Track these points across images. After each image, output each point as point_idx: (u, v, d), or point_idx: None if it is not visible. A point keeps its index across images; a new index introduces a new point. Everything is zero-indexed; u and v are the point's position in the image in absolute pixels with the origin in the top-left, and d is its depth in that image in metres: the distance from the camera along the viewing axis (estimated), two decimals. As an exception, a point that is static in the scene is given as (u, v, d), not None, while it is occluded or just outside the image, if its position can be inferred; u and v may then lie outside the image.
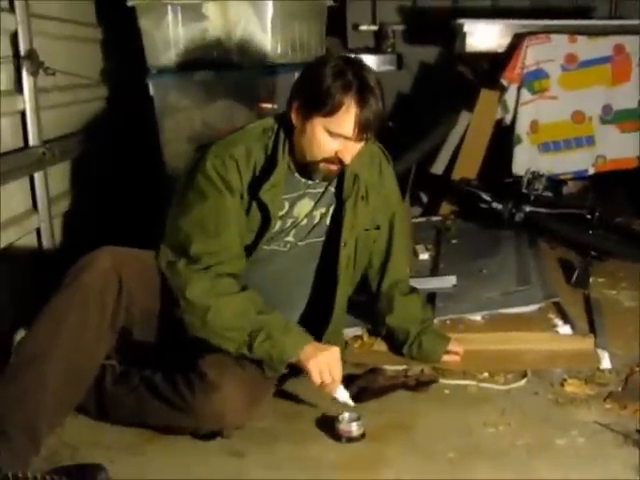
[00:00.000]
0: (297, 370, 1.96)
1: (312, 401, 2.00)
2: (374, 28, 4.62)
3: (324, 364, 1.84)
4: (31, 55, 2.49)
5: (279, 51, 2.99)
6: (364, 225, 2.11)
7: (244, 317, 1.85)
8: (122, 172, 3.35)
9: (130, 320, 1.87)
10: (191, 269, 1.86)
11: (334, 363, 1.86)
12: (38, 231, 2.66)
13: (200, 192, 1.90)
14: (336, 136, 1.86)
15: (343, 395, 1.90)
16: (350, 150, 1.89)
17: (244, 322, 1.84)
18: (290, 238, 2.04)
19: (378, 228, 2.18)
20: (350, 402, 1.90)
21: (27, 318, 1.84)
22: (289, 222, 2.02)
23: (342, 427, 1.86)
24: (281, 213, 1.99)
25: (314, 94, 1.85)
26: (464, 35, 3.87)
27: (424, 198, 3.93)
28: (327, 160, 1.90)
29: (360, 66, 1.90)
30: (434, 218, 3.74)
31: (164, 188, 2.80)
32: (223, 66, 2.93)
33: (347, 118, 1.84)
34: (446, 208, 3.79)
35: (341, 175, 2.02)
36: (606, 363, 2.19)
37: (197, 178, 1.91)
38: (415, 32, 4.58)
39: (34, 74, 2.53)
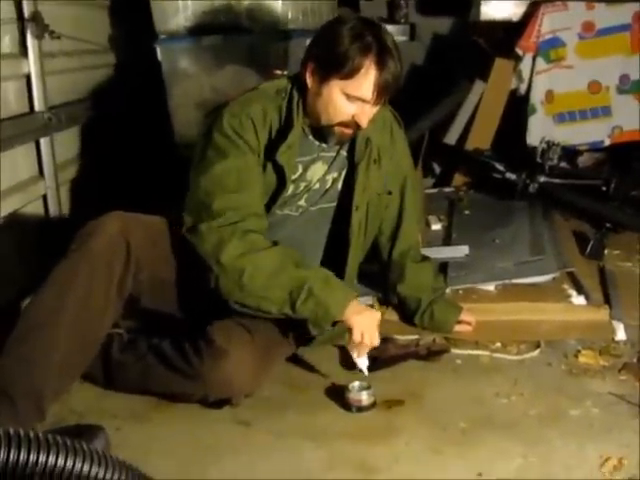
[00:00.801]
0: (305, 339, 1.94)
1: (322, 370, 1.98)
2: (387, -2, 4.54)
3: (366, 325, 1.81)
4: (36, 18, 2.45)
5: (290, 16, 2.93)
6: (376, 189, 2.07)
7: (282, 273, 1.78)
8: (131, 139, 3.32)
9: (138, 287, 1.84)
10: (214, 227, 1.78)
11: (374, 326, 1.83)
12: (45, 198, 2.64)
13: (220, 150, 1.85)
14: (354, 99, 1.82)
15: (364, 362, 1.87)
16: (367, 113, 1.85)
17: (283, 278, 1.78)
18: (302, 202, 2.00)
19: (390, 193, 2.13)
20: (366, 372, 1.88)
21: (33, 285, 1.81)
22: (302, 186, 1.98)
23: (352, 396, 1.83)
24: (294, 177, 1.95)
25: (331, 56, 1.80)
26: (479, 3, 3.81)
27: (437, 169, 3.88)
28: (343, 124, 1.86)
29: (378, 27, 1.85)
30: (447, 189, 3.70)
31: (173, 155, 2.77)
32: (232, 31, 2.88)
33: (366, 81, 1.80)
34: (459, 179, 3.75)
35: (353, 139, 1.97)
36: (621, 334, 2.16)
37: (215, 137, 1.85)
38: (428, 2, 4.49)
39: (39, 37, 2.49)
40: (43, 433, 1.06)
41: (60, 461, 1.01)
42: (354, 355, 1.87)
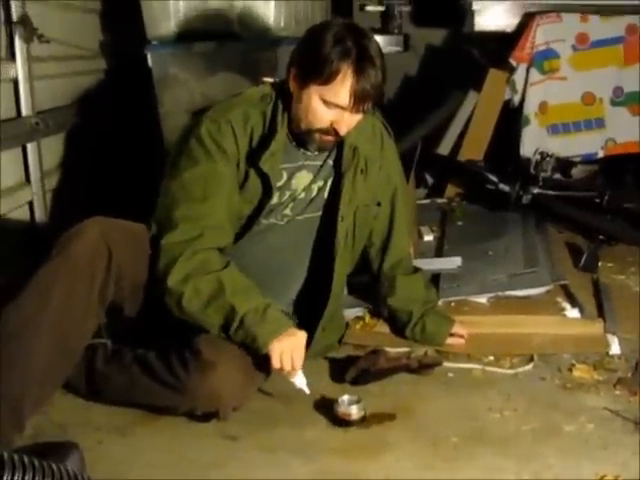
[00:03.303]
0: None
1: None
2: (381, 8, 4.52)
3: (287, 350, 1.76)
4: (24, 21, 2.43)
5: (282, 24, 2.92)
6: (363, 200, 2.03)
7: (217, 300, 1.76)
8: (120, 146, 3.28)
9: (120, 295, 1.81)
10: (170, 244, 1.77)
11: (297, 349, 1.78)
12: (31, 204, 2.61)
13: (192, 157, 1.83)
14: (331, 106, 1.79)
15: (300, 381, 1.82)
16: (346, 121, 1.82)
17: (217, 306, 1.76)
18: (288, 211, 1.97)
19: (379, 204, 2.11)
20: (306, 389, 1.82)
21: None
22: (287, 194, 1.95)
23: (341, 410, 1.79)
24: (279, 184, 1.92)
25: (312, 61, 1.78)
26: (473, 14, 3.78)
27: (429, 180, 3.86)
28: (322, 130, 1.83)
29: (362, 34, 1.81)
30: (439, 200, 3.67)
31: (162, 162, 2.73)
32: (224, 37, 2.87)
33: (343, 87, 1.76)
34: (452, 190, 3.72)
35: (340, 148, 1.94)
36: (615, 348, 2.12)
37: (190, 143, 1.84)
38: (422, 13, 4.48)
39: (27, 41, 2.47)
40: (16, 452, 0.99)
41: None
42: (286, 377, 1.81)
